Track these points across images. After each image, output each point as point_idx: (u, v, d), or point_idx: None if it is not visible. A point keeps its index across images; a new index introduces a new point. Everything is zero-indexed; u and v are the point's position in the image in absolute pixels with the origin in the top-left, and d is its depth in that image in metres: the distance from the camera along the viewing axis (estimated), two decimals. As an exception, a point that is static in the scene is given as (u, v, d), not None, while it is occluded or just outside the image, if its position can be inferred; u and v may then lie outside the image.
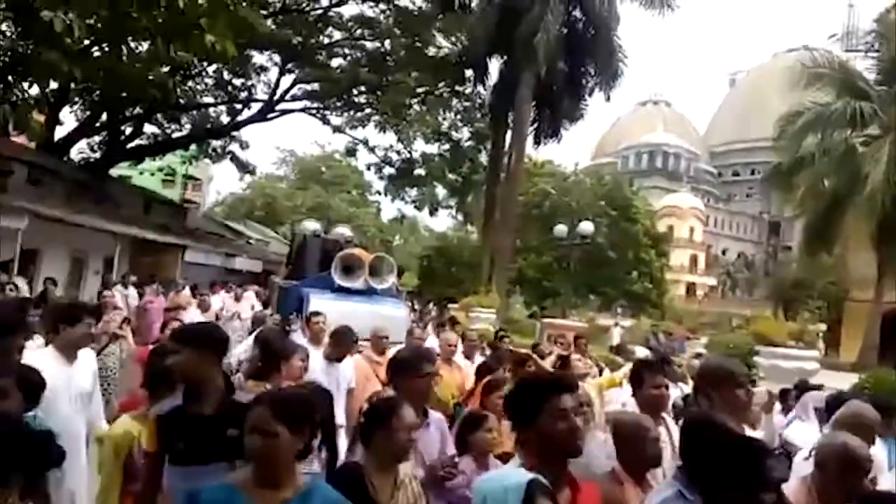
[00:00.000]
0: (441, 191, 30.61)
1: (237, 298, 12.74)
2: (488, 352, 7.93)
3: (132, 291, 12.18)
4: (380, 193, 34.40)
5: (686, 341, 21.34)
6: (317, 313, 6.16)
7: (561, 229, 19.35)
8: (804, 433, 4.62)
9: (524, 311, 22.90)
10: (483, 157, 25.50)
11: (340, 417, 4.81)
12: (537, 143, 24.21)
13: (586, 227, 18.43)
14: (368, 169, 30.15)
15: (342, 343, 5.16)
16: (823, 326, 25.29)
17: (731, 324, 30.03)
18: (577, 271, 26.32)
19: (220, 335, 2.84)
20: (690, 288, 55.87)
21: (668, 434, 3.03)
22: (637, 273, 31.01)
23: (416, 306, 18.43)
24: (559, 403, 2.02)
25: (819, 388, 6.25)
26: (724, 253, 66.80)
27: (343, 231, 10.25)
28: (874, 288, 18.84)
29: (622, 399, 4.72)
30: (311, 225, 10.18)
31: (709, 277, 59.39)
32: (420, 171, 26.76)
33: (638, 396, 3.34)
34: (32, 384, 2.69)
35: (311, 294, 7.68)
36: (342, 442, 4.63)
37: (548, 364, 5.69)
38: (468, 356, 6.65)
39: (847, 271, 24.78)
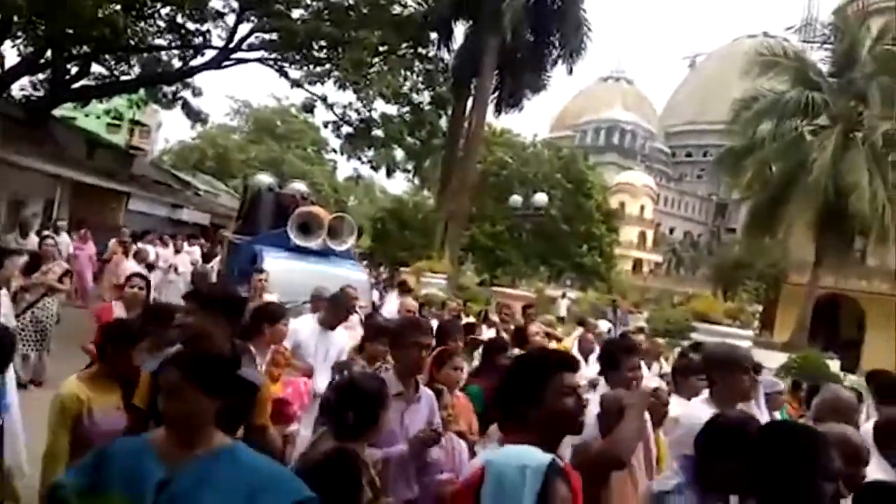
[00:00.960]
0: (399, 153, 30.30)
1: (177, 250, 12.29)
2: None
3: (65, 238, 11.23)
4: (336, 152, 33.84)
5: (629, 315, 21.97)
6: (260, 270, 5.96)
7: (516, 199, 19.49)
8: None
9: (475, 278, 23.10)
10: (443, 123, 25.30)
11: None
12: (498, 111, 24.12)
13: (541, 198, 18.61)
14: (325, 126, 29.48)
15: (338, 309, 4.86)
16: (760, 307, 26.37)
17: (672, 300, 31.01)
18: (529, 242, 26.63)
19: (238, 300, 2.75)
20: (637, 264, 57.19)
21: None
22: (587, 247, 31.54)
23: (369, 269, 18.38)
24: (565, 381, 1.98)
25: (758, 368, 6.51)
26: (671, 232, 68.50)
27: (299, 187, 9.74)
28: (811, 272, 19.66)
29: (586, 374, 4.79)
30: (266, 178, 9.68)
31: (655, 255, 60.90)
32: (378, 133, 26.33)
33: (613, 378, 3.31)
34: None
35: (265, 252, 7.30)
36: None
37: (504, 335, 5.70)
38: None
39: (786, 255, 25.76)
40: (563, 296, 23.12)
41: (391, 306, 7.61)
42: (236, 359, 2.47)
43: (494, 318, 8.46)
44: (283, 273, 6.41)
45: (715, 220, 67.60)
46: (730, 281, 26.07)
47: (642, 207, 63.33)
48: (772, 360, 11.59)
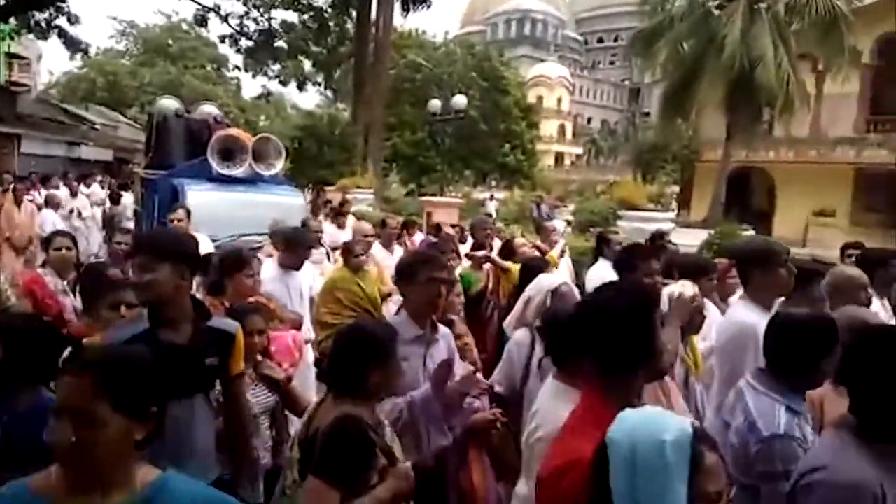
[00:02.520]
0: (307, 65, 28.86)
1: (73, 193, 11.26)
2: (415, 238, 7.48)
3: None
4: (238, 69, 31.98)
5: (556, 209, 22.35)
6: (175, 207, 5.46)
7: (434, 104, 18.96)
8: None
9: (401, 189, 22.75)
10: (350, 28, 24.05)
11: (309, 332, 4.29)
12: (406, 9, 23.08)
13: (460, 100, 18.16)
14: (223, 41, 27.74)
15: (298, 248, 4.38)
16: (677, 188, 27.34)
17: (595, 190, 31.71)
18: (452, 146, 26.30)
19: (197, 248, 2.42)
20: (559, 157, 57.90)
21: None
22: (509, 145, 31.49)
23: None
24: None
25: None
26: (589, 121, 69.25)
27: (211, 109, 8.88)
28: (722, 148, 20.35)
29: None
30: (170, 103, 8.76)
31: (576, 146, 61.67)
32: (281, 44, 24.89)
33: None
34: None
35: (187, 185, 6.71)
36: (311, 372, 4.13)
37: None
38: (386, 246, 6.17)
39: (699, 134, 26.55)
40: (491, 198, 23.20)
41: (328, 231, 7.19)
42: (198, 348, 2.25)
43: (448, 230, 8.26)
44: (210, 206, 5.94)
45: (630, 106, 68.61)
46: (648, 165, 26.66)
47: (559, 100, 63.39)
48: (693, 237, 12.03)
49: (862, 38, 21.63)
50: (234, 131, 7.77)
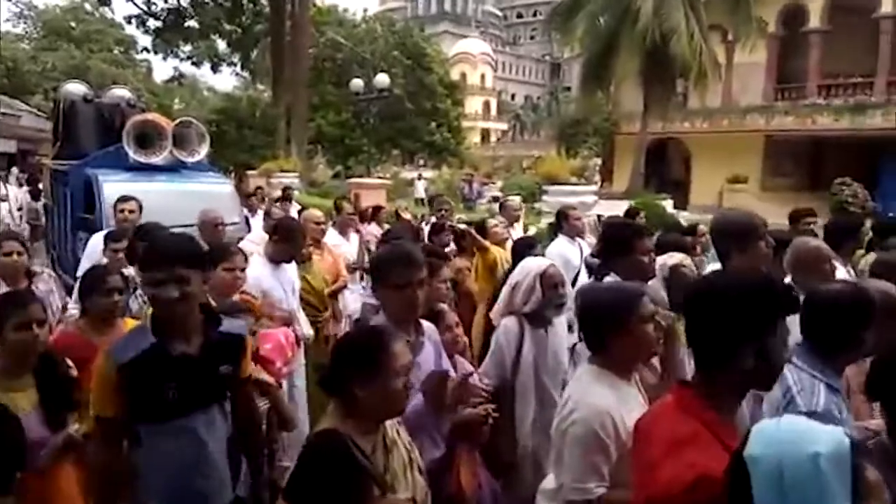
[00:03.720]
0: (221, 44, 27.75)
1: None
2: (373, 228, 7.12)
3: None
4: (148, 51, 30.32)
5: (484, 186, 22.55)
6: (125, 199, 4.93)
7: (357, 83, 18.66)
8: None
9: (328, 171, 22.36)
10: (265, 4, 23.25)
11: (307, 327, 4.04)
12: (321, -14, 22.51)
13: (382, 79, 17.93)
14: (129, 22, 26.24)
15: (291, 239, 4.00)
16: (599, 161, 28.02)
17: (521, 166, 32.13)
18: (377, 126, 26.00)
19: (201, 248, 2.22)
20: (485, 134, 58.23)
21: None
22: (435, 123, 31.39)
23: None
24: (783, 328, 1.55)
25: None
26: (513, 97, 69.86)
27: (122, 93, 8.21)
28: (640, 120, 20.92)
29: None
30: (78, 87, 8.13)
31: (501, 122, 62.16)
32: (192, 23, 23.81)
33: (624, 263, 3.00)
34: None
35: (101, 176, 6.14)
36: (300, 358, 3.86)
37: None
38: (342, 233, 5.95)
39: (617, 107, 27.22)
40: (420, 177, 23.15)
41: (258, 226, 6.68)
42: (211, 357, 2.07)
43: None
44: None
45: (552, 81, 69.58)
46: (571, 139, 27.20)
47: (483, 76, 63.57)
48: (616, 209, 12.37)
49: (768, 9, 22.62)
50: (151, 116, 7.19)
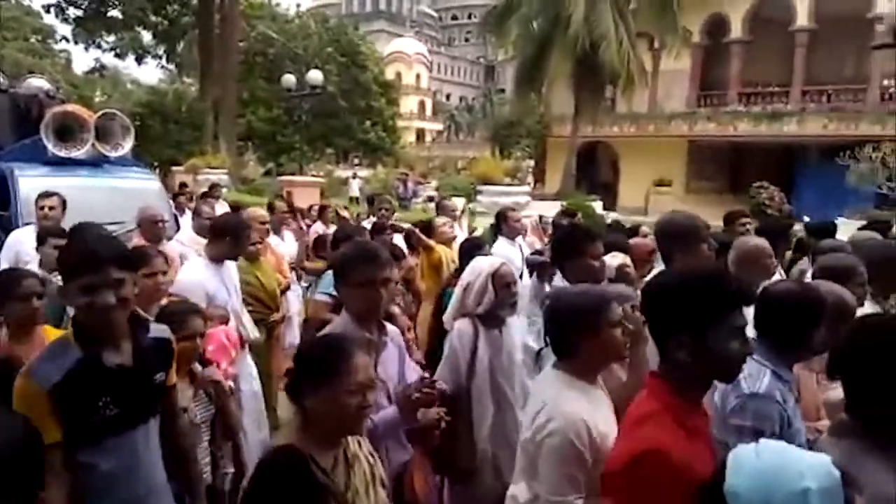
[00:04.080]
0: (147, 36, 26.67)
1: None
2: (318, 226, 6.89)
3: None
4: (67, 40, 28.86)
5: (420, 186, 22.48)
6: (47, 194, 4.62)
7: (289, 79, 18.26)
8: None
9: (259, 169, 21.81)
10: (192, -3, 22.50)
11: (251, 328, 3.81)
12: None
13: (315, 75, 17.62)
14: (48, 11, 24.89)
15: (237, 237, 3.77)
16: (532, 162, 28.50)
17: (456, 166, 32.27)
18: (310, 123, 25.55)
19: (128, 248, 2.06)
20: (420, 133, 58.20)
21: None
22: (370, 122, 31.13)
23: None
24: (734, 320, 1.55)
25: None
26: (448, 98, 70.15)
27: (40, 83, 7.83)
28: (571, 124, 21.38)
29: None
30: None
31: (436, 122, 62.29)
32: (116, 13, 22.78)
33: (574, 266, 2.95)
34: None
35: (18, 171, 5.80)
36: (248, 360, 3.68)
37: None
38: (276, 232, 5.78)
39: (550, 110, 27.75)
40: (354, 176, 22.87)
41: (187, 226, 6.45)
42: (145, 366, 1.94)
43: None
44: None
45: (486, 83, 70.25)
46: (504, 140, 27.52)
47: (418, 76, 63.57)
48: (547, 209, 12.59)
49: (692, 19, 23.56)
50: (71, 107, 6.78)
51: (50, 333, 2.57)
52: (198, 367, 2.71)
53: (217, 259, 3.75)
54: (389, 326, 2.53)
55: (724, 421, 1.91)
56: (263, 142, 28.26)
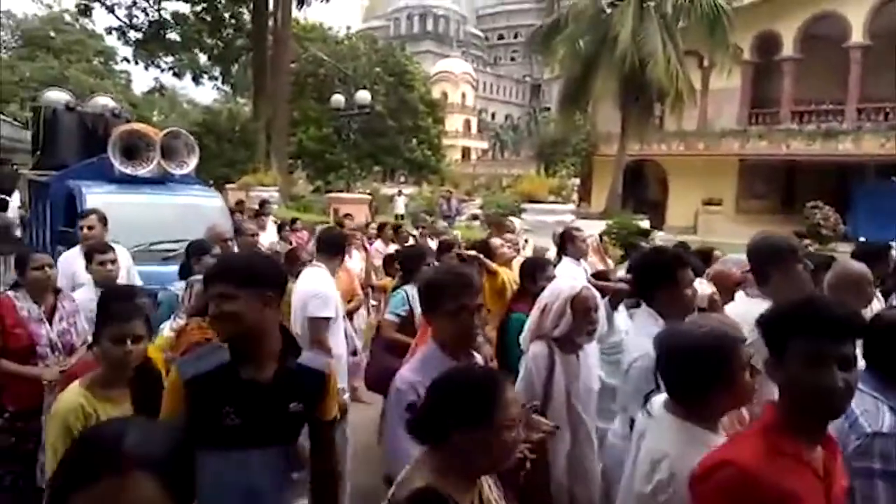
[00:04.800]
0: (203, 57, 27.69)
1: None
2: (378, 244, 7.04)
3: None
4: (128, 61, 30.17)
5: (463, 204, 22.65)
6: (89, 212, 4.56)
7: (338, 99, 18.72)
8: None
9: (308, 186, 22.34)
10: (247, 19, 23.28)
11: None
12: (301, 2, 22.62)
13: (364, 95, 18.01)
14: (109, 34, 26.11)
15: (344, 252, 3.96)
16: (577, 180, 28.35)
17: (501, 184, 32.34)
18: (358, 142, 26.05)
19: (280, 269, 2.06)
20: (465, 152, 58.53)
21: None
22: (416, 140, 31.54)
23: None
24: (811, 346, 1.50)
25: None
26: (493, 117, 70.40)
27: (106, 101, 7.95)
28: (618, 142, 21.22)
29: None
30: (60, 95, 7.84)
31: (481, 141, 62.57)
32: (174, 36, 23.76)
33: (664, 297, 2.65)
34: None
35: (85, 188, 5.84)
36: None
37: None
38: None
39: (596, 129, 27.61)
40: (399, 193, 23.17)
41: (269, 236, 6.60)
42: (281, 390, 1.89)
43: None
44: (113, 212, 4.89)
45: (532, 102, 70.30)
46: (549, 159, 27.44)
47: (464, 95, 64.07)
48: (593, 228, 12.53)
49: (743, 36, 23.22)
50: (138, 126, 6.91)
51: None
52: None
53: (334, 273, 3.84)
54: (476, 355, 2.43)
55: (849, 464, 1.75)
56: (313, 160, 28.92)
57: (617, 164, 21.27)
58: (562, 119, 25.63)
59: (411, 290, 4.07)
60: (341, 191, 18.85)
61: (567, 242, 5.10)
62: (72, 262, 4.39)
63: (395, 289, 4.45)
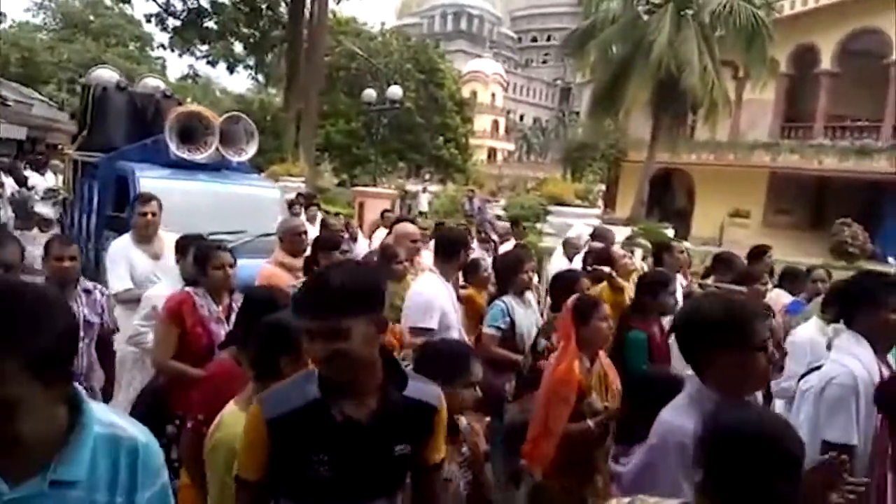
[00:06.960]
0: (238, 46, 28.01)
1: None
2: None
3: None
4: (164, 48, 30.60)
5: (487, 204, 22.62)
6: (148, 198, 4.25)
7: (370, 94, 18.83)
8: None
9: (333, 179, 22.50)
10: (284, 11, 23.50)
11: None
12: (339, -4, 22.81)
13: (395, 91, 18.11)
14: (148, 20, 26.51)
15: (455, 251, 3.72)
16: (603, 186, 28.16)
17: (526, 186, 32.26)
18: (386, 137, 26.17)
19: (381, 279, 1.70)
20: (492, 152, 58.47)
21: None
22: (443, 138, 31.59)
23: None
24: None
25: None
26: (521, 118, 70.22)
27: (156, 83, 7.50)
28: (647, 149, 21.07)
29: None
30: (110, 73, 7.33)
31: (508, 142, 62.47)
32: (211, 24, 24.08)
33: (869, 321, 2.48)
34: None
35: (138, 171, 5.54)
36: None
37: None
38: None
39: (625, 134, 27.42)
40: (424, 190, 23.23)
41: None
42: (385, 429, 1.57)
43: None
44: (168, 198, 4.53)
45: (561, 105, 69.98)
46: (576, 163, 27.32)
47: (493, 95, 64.00)
48: (618, 234, 12.46)
49: (780, 48, 22.87)
50: (197, 108, 6.57)
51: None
52: (462, 420, 2.17)
53: (447, 277, 3.66)
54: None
55: None
56: (340, 153, 29.11)
57: (644, 172, 21.12)
58: (591, 124, 25.53)
59: (510, 301, 3.82)
60: (366, 185, 18.97)
61: (665, 255, 4.88)
62: (126, 249, 4.20)
63: (491, 300, 4.07)
